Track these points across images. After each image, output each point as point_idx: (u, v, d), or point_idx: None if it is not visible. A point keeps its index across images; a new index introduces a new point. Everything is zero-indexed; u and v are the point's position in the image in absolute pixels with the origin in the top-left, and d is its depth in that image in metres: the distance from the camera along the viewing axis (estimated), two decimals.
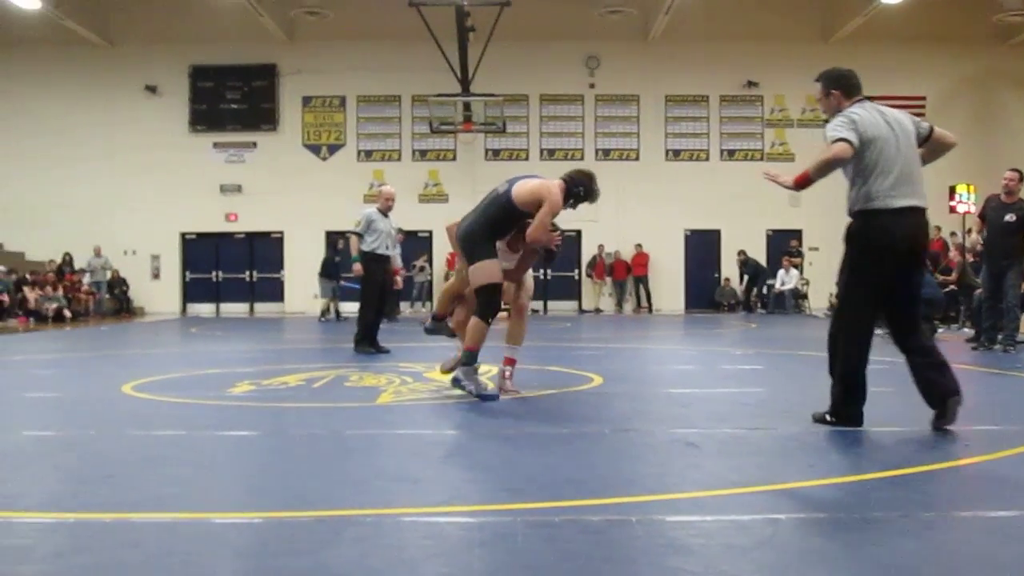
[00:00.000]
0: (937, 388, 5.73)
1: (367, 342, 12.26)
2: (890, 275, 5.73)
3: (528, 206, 7.28)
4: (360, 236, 12.28)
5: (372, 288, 12.44)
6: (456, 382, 7.30)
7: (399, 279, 13.59)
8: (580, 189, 7.53)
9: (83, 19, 26.49)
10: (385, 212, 12.46)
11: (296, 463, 5.16)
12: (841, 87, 5.91)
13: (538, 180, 7.47)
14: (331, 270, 23.36)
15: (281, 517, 3.97)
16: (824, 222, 27.40)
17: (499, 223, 7.38)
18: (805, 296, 26.36)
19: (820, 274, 26.30)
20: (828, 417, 5.87)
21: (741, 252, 27.30)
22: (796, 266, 26.28)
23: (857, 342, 5.79)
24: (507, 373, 7.75)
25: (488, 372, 8.63)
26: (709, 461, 5.12)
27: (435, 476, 4.84)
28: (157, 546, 3.57)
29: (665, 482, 4.61)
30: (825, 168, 5.59)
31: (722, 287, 28.09)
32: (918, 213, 5.74)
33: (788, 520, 3.84)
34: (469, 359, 7.27)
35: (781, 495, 4.31)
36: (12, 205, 27.78)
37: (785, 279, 25.92)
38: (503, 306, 7.63)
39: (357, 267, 12.42)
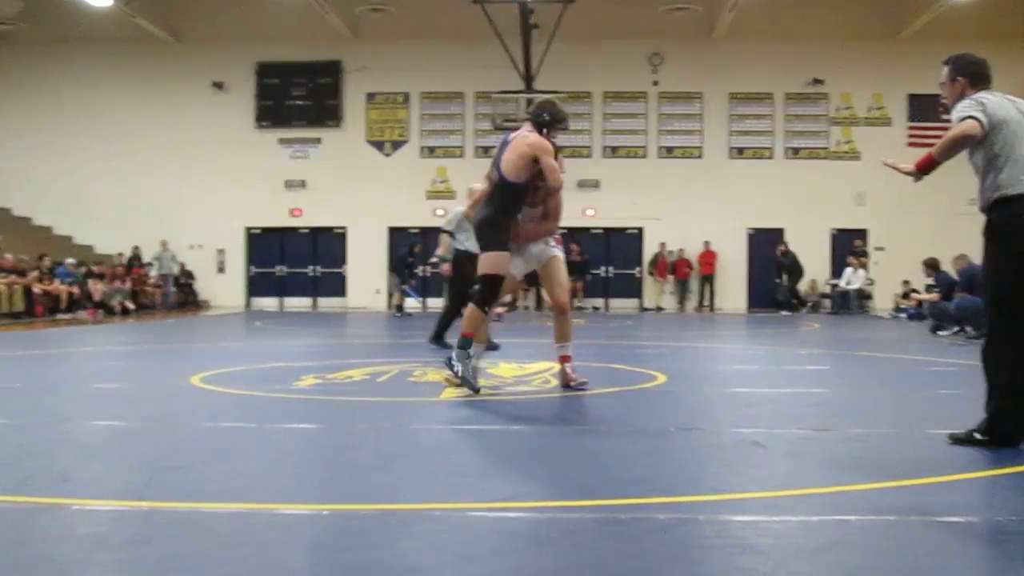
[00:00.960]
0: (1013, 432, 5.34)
1: (442, 338, 11.98)
2: None
3: (523, 173, 7.30)
4: (451, 235, 12.04)
5: (465, 286, 12.00)
6: (448, 361, 7.37)
7: None
8: (545, 116, 7.47)
9: (153, 17, 26.89)
10: None
11: (363, 456, 5.20)
12: (968, 74, 5.57)
13: (512, 147, 7.37)
14: (399, 267, 23.67)
15: (350, 510, 4.01)
16: (889, 221, 27.15)
17: (509, 206, 7.42)
18: (870, 296, 26.04)
19: (885, 274, 26.00)
20: (978, 435, 5.34)
21: (783, 244, 26.89)
22: (863, 266, 25.95)
23: (1017, 348, 5.26)
24: (569, 368, 7.78)
25: (550, 369, 8.66)
26: (775, 461, 5.09)
27: (501, 471, 4.86)
28: (230, 536, 3.63)
29: (732, 482, 4.59)
30: (952, 147, 5.25)
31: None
32: None
33: (858, 522, 3.80)
34: (464, 343, 7.31)
35: (849, 497, 4.27)
36: (82, 199, 28.28)
37: (851, 279, 25.61)
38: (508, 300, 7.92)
39: (446, 267, 12.17)
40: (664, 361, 10.95)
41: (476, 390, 7.30)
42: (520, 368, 9.40)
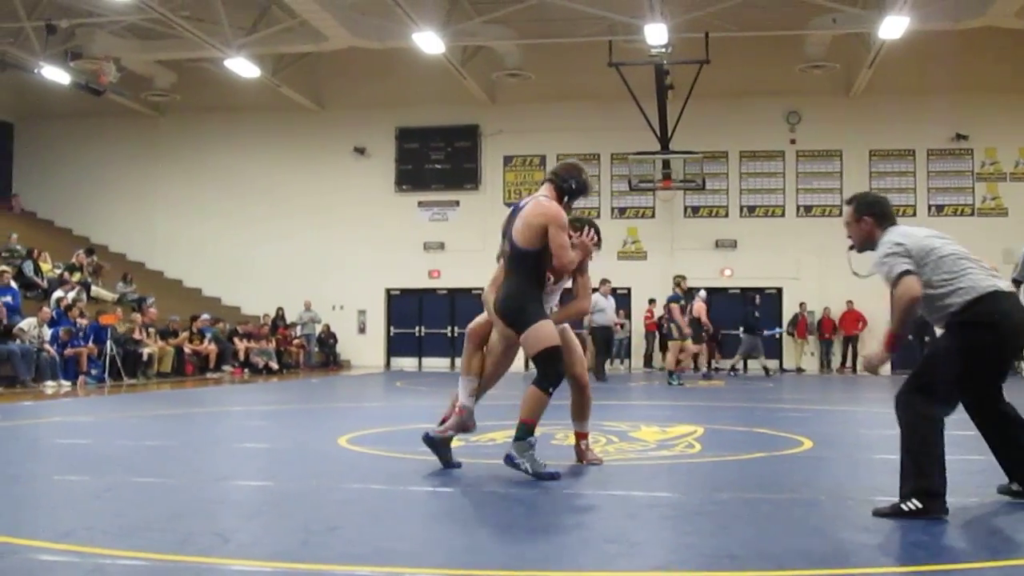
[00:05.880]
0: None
1: None
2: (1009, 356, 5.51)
3: (535, 242, 6.48)
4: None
5: None
6: (509, 460, 6.42)
7: None
8: (572, 183, 6.65)
9: (298, 86, 27.86)
10: None
11: (511, 521, 5.23)
12: (875, 214, 5.62)
13: (526, 212, 6.56)
14: (752, 324, 23.92)
15: None
16: None
17: (531, 275, 6.58)
18: (1022, 358, 25.10)
19: None
20: (910, 506, 5.16)
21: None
22: None
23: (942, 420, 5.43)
24: (584, 445, 7.22)
25: (693, 433, 8.57)
26: (934, 533, 4.92)
27: (651, 539, 4.82)
28: None
29: (891, 553, 4.48)
30: (908, 315, 5.36)
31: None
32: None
33: None
34: (524, 433, 6.43)
35: (1017, 571, 4.12)
36: (230, 261, 29.27)
37: None
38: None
39: None
40: (809, 425, 10.72)
41: (556, 476, 6.41)
42: (663, 432, 9.32)
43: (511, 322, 6.56)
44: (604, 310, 20.18)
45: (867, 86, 26.38)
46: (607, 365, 22.50)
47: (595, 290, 20.54)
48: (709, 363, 25.75)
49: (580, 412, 7.15)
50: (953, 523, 5.12)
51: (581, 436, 7.22)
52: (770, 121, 27.83)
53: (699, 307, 20.72)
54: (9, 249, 23.61)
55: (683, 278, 20.19)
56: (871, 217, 5.63)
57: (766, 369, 24.32)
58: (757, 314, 24.11)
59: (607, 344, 21.03)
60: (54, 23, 23.15)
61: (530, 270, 6.57)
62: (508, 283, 6.63)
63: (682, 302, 19.89)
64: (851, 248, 5.83)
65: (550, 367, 6.46)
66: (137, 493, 6.16)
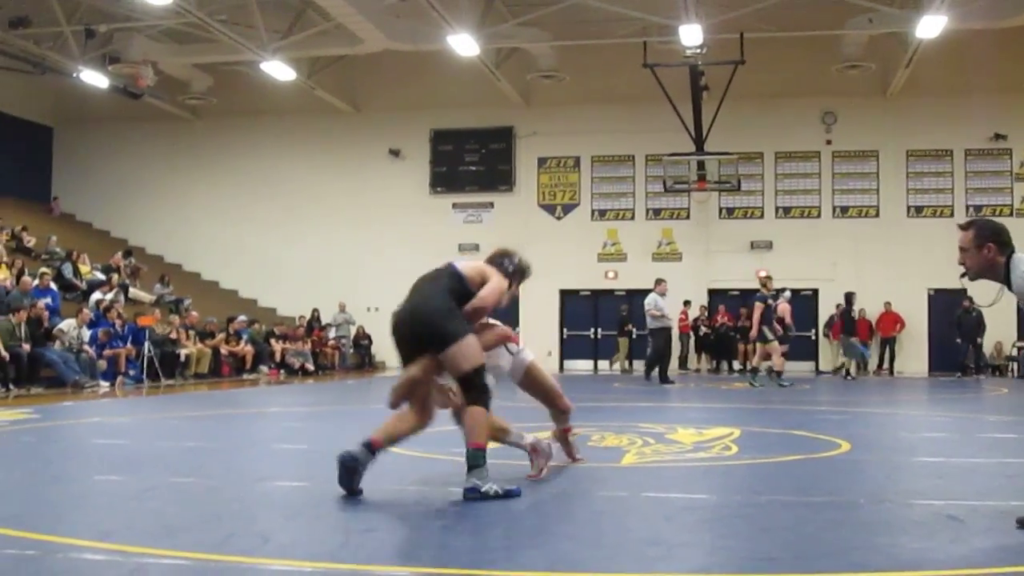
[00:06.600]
0: None
1: None
2: None
3: (474, 284, 6.36)
4: None
5: None
6: (473, 492, 5.83)
7: None
8: (508, 266, 6.63)
9: (333, 88, 28.00)
10: None
11: (549, 523, 5.23)
12: (999, 242, 5.26)
13: (479, 262, 6.65)
14: (851, 328, 23.94)
15: None
16: None
17: (461, 301, 6.27)
18: None
19: None
20: None
21: (968, 300, 25.33)
22: None
23: None
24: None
25: (730, 435, 8.52)
26: (976, 537, 4.89)
27: (689, 541, 4.82)
28: None
29: (930, 558, 4.44)
30: None
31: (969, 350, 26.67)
32: None
33: None
34: (480, 459, 5.96)
35: None
36: (266, 263, 29.45)
37: None
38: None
39: None
40: (846, 428, 10.66)
41: (519, 493, 5.97)
42: (699, 434, 9.30)
43: (438, 331, 6.09)
44: (664, 311, 20.04)
45: (904, 86, 26.20)
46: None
47: (650, 290, 20.48)
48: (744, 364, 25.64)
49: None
50: (993, 527, 5.09)
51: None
52: (806, 122, 27.68)
53: (783, 308, 20.46)
54: (49, 251, 23.90)
55: (769, 278, 20.02)
56: (995, 244, 5.30)
57: (847, 371, 24.16)
58: (854, 313, 23.99)
59: (669, 346, 20.75)
60: (92, 28, 23.40)
61: (462, 298, 6.27)
62: (436, 293, 6.29)
63: (769, 302, 19.62)
64: (963, 276, 5.49)
65: (485, 382, 6.13)
66: (177, 493, 6.22)
